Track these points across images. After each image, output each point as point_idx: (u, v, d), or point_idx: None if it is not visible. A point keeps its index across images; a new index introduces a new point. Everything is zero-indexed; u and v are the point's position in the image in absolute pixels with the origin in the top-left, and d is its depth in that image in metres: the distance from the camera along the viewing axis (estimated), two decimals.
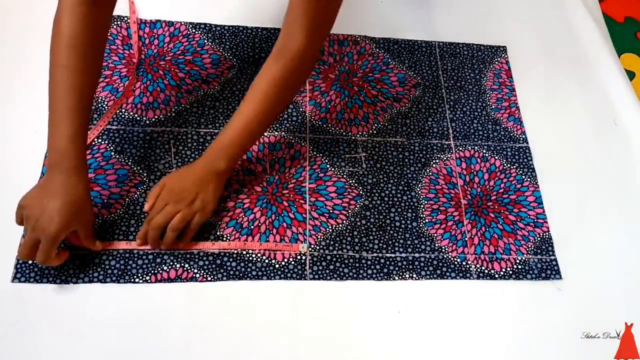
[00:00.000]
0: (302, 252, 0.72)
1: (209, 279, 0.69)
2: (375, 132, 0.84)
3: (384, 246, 0.75)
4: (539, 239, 0.79)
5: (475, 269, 0.75)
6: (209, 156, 0.69)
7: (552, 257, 0.77)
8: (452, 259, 0.75)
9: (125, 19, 0.88)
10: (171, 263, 0.69)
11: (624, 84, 0.96)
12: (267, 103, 0.67)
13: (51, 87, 0.61)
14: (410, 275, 0.73)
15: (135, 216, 0.71)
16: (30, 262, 0.66)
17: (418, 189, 0.80)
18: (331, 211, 0.76)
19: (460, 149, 0.85)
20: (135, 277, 0.68)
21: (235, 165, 0.73)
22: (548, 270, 0.76)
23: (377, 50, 0.93)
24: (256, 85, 0.67)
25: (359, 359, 0.67)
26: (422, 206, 0.79)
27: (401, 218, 0.77)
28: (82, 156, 0.62)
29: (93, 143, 0.76)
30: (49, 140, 0.61)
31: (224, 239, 0.72)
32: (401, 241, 0.75)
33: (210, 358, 0.65)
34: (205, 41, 0.88)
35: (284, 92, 0.68)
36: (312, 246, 0.73)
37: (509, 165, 0.85)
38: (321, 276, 0.71)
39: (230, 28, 0.90)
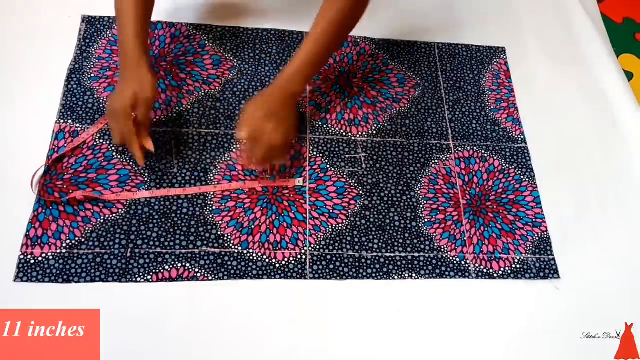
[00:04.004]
0: (300, 185, 0.77)
1: (210, 278, 0.69)
2: (375, 132, 0.85)
3: (384, 246, 0.75)
4: (537, 238, 0.79)
5: (474, 269, 0.75)
6: (282, 83, 0.72)
7: (551, 257, 0.78)
8: (451, 258, 0.76)
9: None
10: (172, 262, 0.70)
11: (623, 85, 0.96)
12: (327, 41, 0.72)
13: (116, 6, 0.71)
14: (410, 274, 0.74)
15: (137, 216, 0.72)
16: (32, 261, 0.67)
17: (417, 189, 0.80)
18: (331, 211, 0.77)
19: (459, 149, 0.85)
20: (136, 276, 0.68)
21: (305, 87, 0.75)
22: (546, 269, 0.77)
23: (377, 51, 0.94)
24: (316, 25, 0.72)
25: (359, 358, 0.68)
26: (421, 206, 0.79)
27: (400, 218, 0.78)
28: (144, 50, 0.70)
29: (94, 143, 0.76)
30: (118, 45, 0.72)
31: (225, 238, 0.72)
32: (400, 241, 0.76)
33: (210, 357, 0.65)
34: (206, 42, 0.89)
35: (342, 30, 0.74)
36: (312, 246, 0.74)
37: (507, 165, 0.85)
38: (321, 276, 0.72)
39: (231, 29, 0.91)
